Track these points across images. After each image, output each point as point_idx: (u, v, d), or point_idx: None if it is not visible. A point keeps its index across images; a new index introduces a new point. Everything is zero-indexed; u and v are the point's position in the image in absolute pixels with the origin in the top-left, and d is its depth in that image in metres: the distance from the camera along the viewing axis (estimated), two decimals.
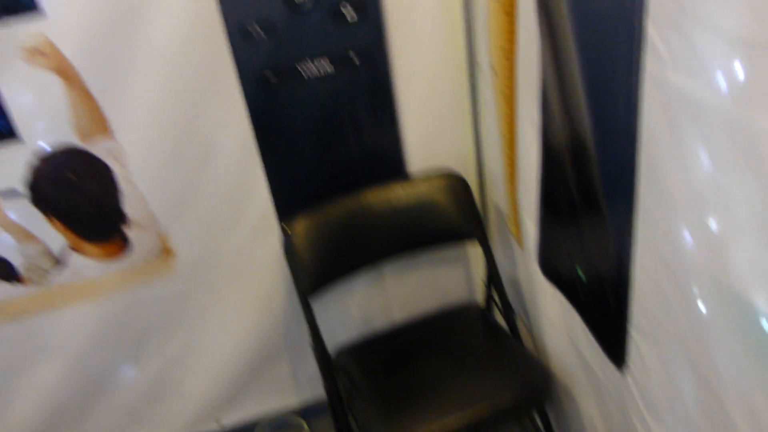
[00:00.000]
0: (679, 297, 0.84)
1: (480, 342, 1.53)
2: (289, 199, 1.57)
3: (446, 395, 1.35)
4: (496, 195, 1.62)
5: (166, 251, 1.56)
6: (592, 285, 1.15)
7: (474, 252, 1.75)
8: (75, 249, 1.49)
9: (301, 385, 1.85)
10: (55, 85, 1.29)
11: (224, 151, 1.49)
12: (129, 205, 1.47)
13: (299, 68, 1.45)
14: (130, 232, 1.51)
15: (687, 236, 0.79)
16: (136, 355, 1.66)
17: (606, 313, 1.11)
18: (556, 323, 1.39)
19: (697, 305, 0.81)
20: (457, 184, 1.56)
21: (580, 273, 1.19)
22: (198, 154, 1.47)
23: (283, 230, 1.48)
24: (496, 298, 1.58)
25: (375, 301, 1.75)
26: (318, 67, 1.46)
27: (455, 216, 1.56)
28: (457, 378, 1.40)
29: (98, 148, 1.38)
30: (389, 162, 1.60)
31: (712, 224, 0.73)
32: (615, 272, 1.02)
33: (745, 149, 0.66)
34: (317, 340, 1.46)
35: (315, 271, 1.47)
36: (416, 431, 1.26)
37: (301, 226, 1.48)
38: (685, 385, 0.90)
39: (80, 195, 1.43)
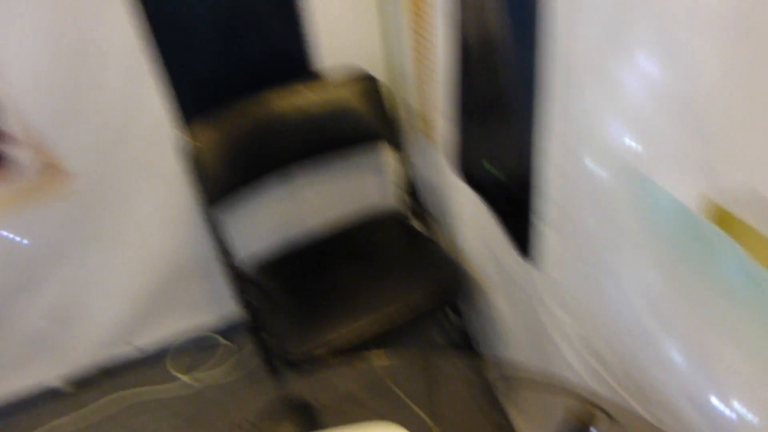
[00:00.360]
0: (582, 181, 0.82)
1: (396, 247, 1.51)
2: (187, 105, 1.45)
3: (361, 301, 1.33)
4: (408, 93, 1.56)
5: (54, 169, 1.42)
6: (501, 179, 1.13)
7: (390, 155, 1.70)
8: None
9: (218, 303, 1.79)
10: None
11: (108, 52, 1.33)
12: (3, 119, 1.31)
13: None
14: (10, 150, 1.36)
15: (587, 115, 0.75)
16: (33, 281, 1.55)
17: (514, 207, 1.09)
18: (469, 222, 1.38)
19: (598, 187, 0.79)
20: (365, 84, 1.48)
21: (490, 168, 1.17)
22: (77, 57, 1.31)
23: (183, 139, 1.37)
24: (412, 201, 1.55)
25: (289, 211, 1.69)
26: None
27: (366, 117, 1.49)
28: (373, 283, 1.38)
29: None
30: (294, 60, 1.49)
31: (611, 100, 0.70)
32: (521, 162, 1.00)
33: (642, 11, 0.61)
34: (225, 254, 1.40)
35: (219, 180, 1.38)
36: (328, 338, 1.25)
37: (201, 134, 1.38)
38: (587, 272, 0.90)
39: None
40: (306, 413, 0.80)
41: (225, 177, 1.39)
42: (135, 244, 1.59)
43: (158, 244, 1.62)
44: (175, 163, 1.45)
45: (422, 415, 1.15)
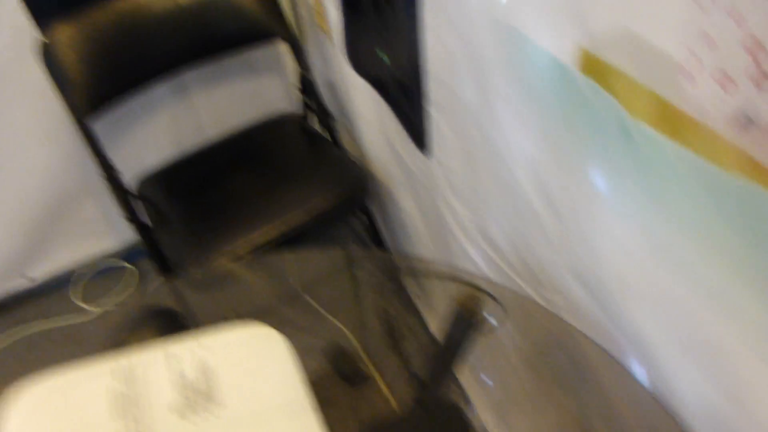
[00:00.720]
0: (460, 50, 0.75)
1: (296, 151, 1.42)
2: (44, 2, 1.28)
3: (259, 208, 1.25)
4: None
5: None
6: (394, 67, 1.04)
7: (288, 55, 1.57)
8: None
9: (117, 226, 1.67)
10: None
11: None
12: None
13: None
14: None
15: None
16: None
17: (408, 96, 1.02)
18: (371, 121, 1.30)
19: (475, 54, 0.72)
20: None
21: (383, 56, 1.08)
22: None
23: (41, 41, 1.21)
24: (312, 103, 1.45)
25: (183, 120, 1.56)
26: None
27: (255, 12, 1.35)
28: (272, 190, 1.29)
29: None
30: None
31: None
32: (410, 43, 0.91)
33: None
34: (106, 169, 1.28)
35: (91, 87, 1.24)
36: (225, 250, 1.17)
37: (63, 35, 1.21)
38: (476, 155, 0.84)
39: None
40: (172, 320, 0.74)
41: (95, 82, 1.25)
42: (10, 168, 1.44)
43: (39, 165, 1.47)
44: (40, 72, 1.29)
45: (333, 320, 1.11)
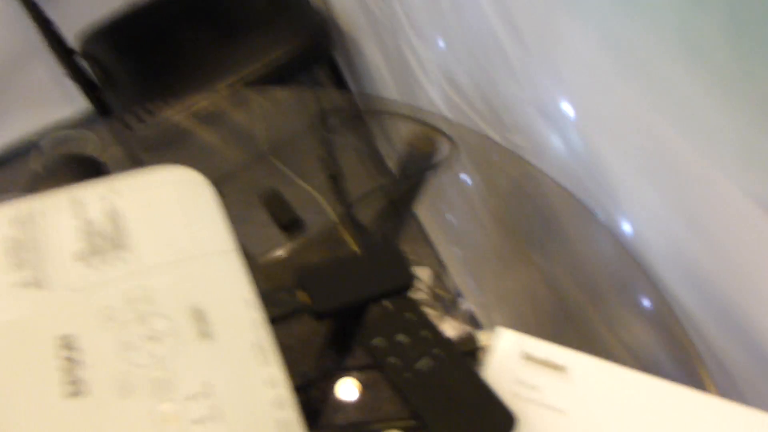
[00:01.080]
0: None
1: (254, 4, 1.29)
2: None
3: (216, 63, 1.16)
4: None
5: None
6: None
7: None
8: None
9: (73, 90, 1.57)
10: None
11: None
12: None
13: None
14: None
15: None
16: None
17: None
18: None
19: None
20: None
21: None
22: None
23: None
24: None
25: None
26: None
27: None
28: (229, 44, 1.19)
29: None
30: None
31: None
32: None
33: None
34: (44, 23, 1.16)
35: None
36: (176, 105, 1.09)
37: None
38: None
39: None
40: (93, 168, 0.68)
41: None
42: None
43: None
44: None
45: (305, 186, 1.06)
